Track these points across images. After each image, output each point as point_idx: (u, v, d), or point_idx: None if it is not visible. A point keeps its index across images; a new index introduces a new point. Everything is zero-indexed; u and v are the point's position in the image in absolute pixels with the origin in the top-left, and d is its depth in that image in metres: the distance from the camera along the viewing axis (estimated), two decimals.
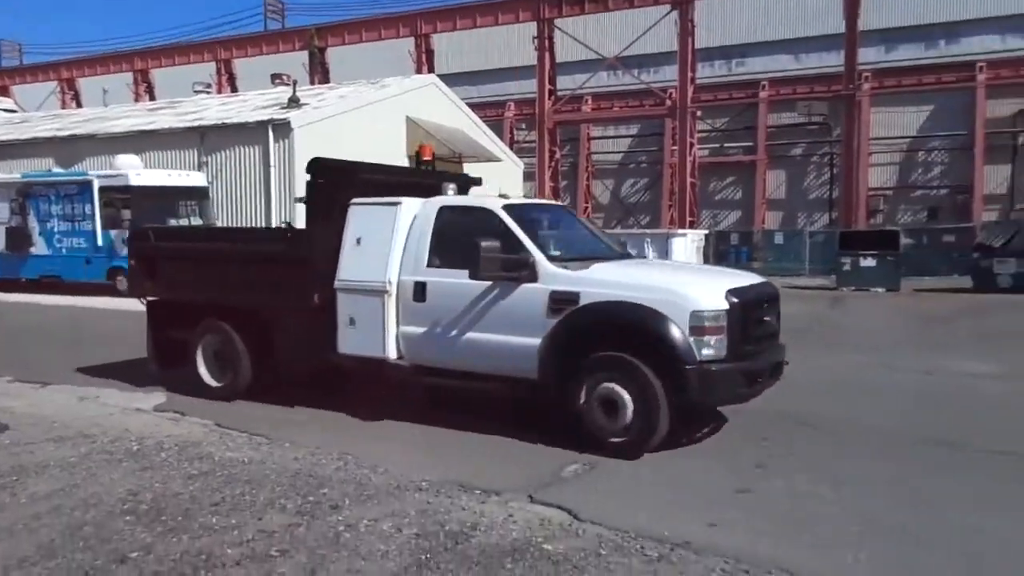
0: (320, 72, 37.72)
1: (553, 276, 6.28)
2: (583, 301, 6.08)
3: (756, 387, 6.12)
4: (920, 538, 4.49)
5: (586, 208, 39.44)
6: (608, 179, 42.10)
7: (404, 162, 25.84)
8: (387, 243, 6.94)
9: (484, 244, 6.19)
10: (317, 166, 7.53)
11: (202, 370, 8.08)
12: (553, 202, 8.16)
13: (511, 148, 36.05)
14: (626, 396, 5.90)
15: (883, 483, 5.43)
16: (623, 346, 5.95)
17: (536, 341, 6.23)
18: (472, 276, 6.41)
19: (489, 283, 6.43)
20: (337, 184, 7.41)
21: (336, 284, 7.11)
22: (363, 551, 4.23)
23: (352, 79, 30.87)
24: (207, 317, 7.99)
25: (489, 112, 37.44)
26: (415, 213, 7.03)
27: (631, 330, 5.97)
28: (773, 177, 38.06)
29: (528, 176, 34.23)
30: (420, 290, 6.80)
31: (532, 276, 6.29)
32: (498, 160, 29.54)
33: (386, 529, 4.53)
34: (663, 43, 33.12)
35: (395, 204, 7.07)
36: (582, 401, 6.06)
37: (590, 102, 38.31)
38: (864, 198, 34.26)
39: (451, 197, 7.32)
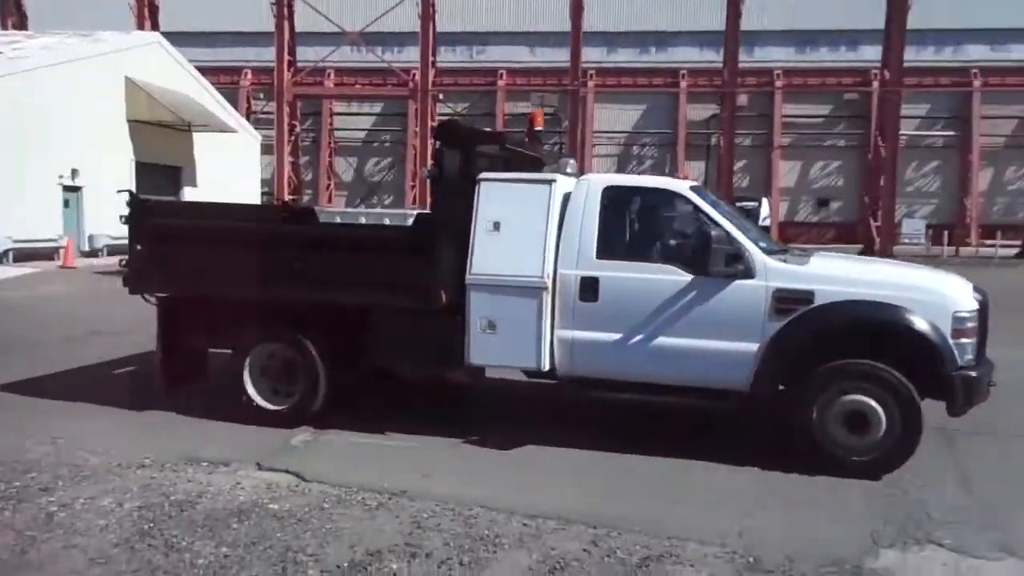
0: (15, 15, 33.09)
1: (774, 272, 5.50)
2: (819, 300, 5.34)
3: (989, 393, 5.55)
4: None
5: (328, 185, 38.87)
6: (351, 156, 41.81)
7: (125, 129, 23.78)
8: (539, 229, 5.75)
9: (714, 234, 5.46)
10: (450, 131, 6.19)
11: (251, 389, 6.35)
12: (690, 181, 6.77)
13: (247, 119, 34.43)
14: (880, 410, 5.25)
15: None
16: (867, 352, 5.32)
17: (752, 347, 5.47)
18: (698, 273, 5.53)
19: (689, 280, 5.59)
20: (470, 155, 5.99)
21: (469, 279, 5.81)
22: (80, 527, 4.17)
23: (58, 28, 27.54)
24: (265, 320, 6.41)
25: (223, 79, 35.35)
26: (565, 193, 5.91)
27: (888, 334, 5.34)
28: None
29: (266, 149, 32.97)
30: (590, 287, 5.70)
31: (748, 272, 5.48)
32: (233, 131, 28.15)
33: (106, 505, 4.50)
34: (407, 23, 33.51)
35: (547, 181, 5.93)
36: (814, 416, 5.36)
37: (332, 77, 37.71)
38: None
39: (618, 176, 6.94)
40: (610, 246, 5.78)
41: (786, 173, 40.48)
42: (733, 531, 4.39)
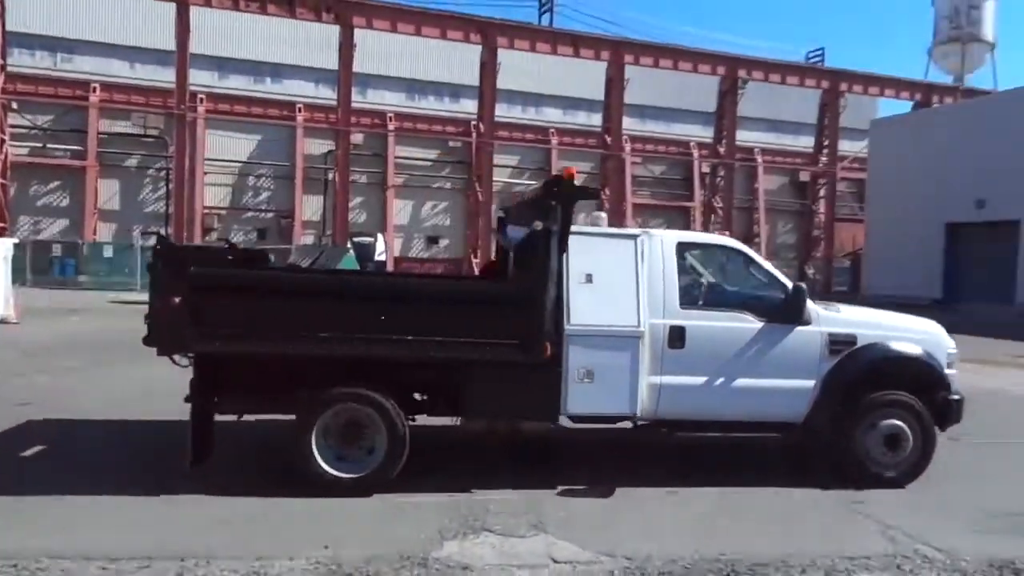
0: None
1: (825, 319, 6.39)
2: (860, 343, 6.34)
3: None
4: None
5: None
6: None
7: None
8: (630, 281, 6.09)
9: (781, 287, 6.37)
10: (564, 185, 5.83)
11: (318, 457, 5.64)
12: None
13: None
14: (909, 431, 6.29)
15: None
16: (893, 383, 6.35)
17: (810, 383, 6.28)
18: (768, 320, 6.28)
19: (760, 326, 6.28)
20: (570, 209, 5.79)
21: (568, 330, 5.85)
22: None
23: None
24: (342, 378, 5.75)
25: None
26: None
27: (910, 368, 6.46)
28: (106, 186, 36.29)
29: None
30: (678, 335, 6.12)
31: (808, 319, 6.29)
32: None
33: None
34: None
35: (634, 236, 6.34)
36: (858, 439, 6.28)
37: None
38: (200, 215, 35.48)
39: (684, 233, 6.92)
40: (689, 297, 6.36)
41: (400, 211, 42.78)
42: (319, 546, 4.62)
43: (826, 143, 41.89)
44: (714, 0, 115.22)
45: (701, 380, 6.21)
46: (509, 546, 4.78)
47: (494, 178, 37.68)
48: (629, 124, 48.43)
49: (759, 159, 52.29)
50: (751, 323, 6.32)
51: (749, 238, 53.81)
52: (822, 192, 42.63)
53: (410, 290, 6.15)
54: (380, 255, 39.14)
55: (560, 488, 5.97)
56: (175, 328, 5.44)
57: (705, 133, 43.23)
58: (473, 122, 37.86)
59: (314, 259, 24.08)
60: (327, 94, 38.06)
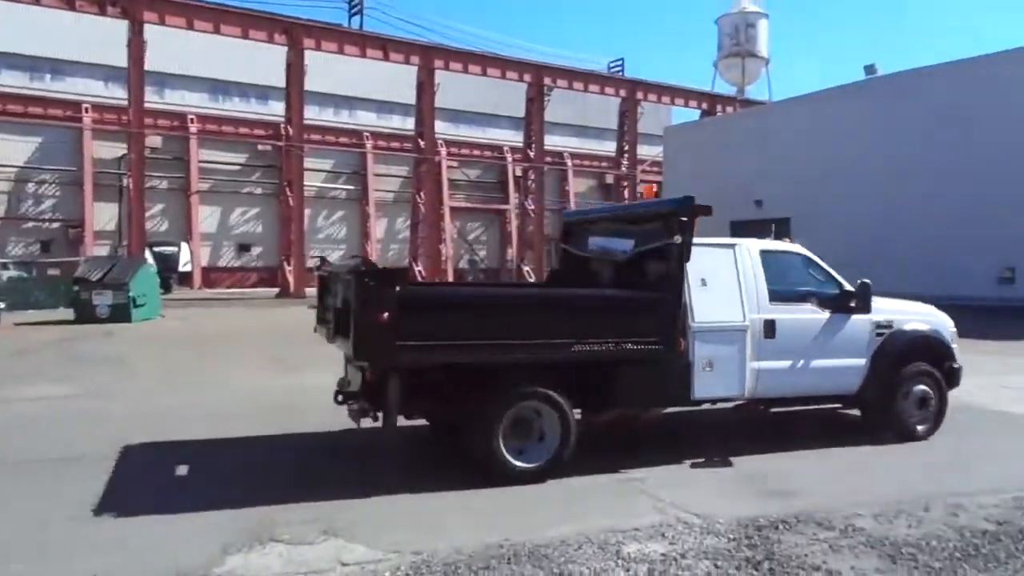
0: None
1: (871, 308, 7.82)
2: (895, 327, 7.91)
3: None
4: None
5: None
6: None
7: None
8: (734, 283, 7.28)
9: (843, 284, 7.76)
10: (695, 205, 6.95)
11: (502, 450, 6.28)
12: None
13: None
14: (933, 394, 7.94)
15: None
16: (918, 357, 7.94)
17: (862, 361, 7.76)
18: (833, 311, 7.67)
19: (828, 315, 7.65)
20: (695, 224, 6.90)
21: (694, 327, 6.93)
22: None
23: None
24: (524, 379, 6.47)
25: None
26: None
27: (933, 346, 8.10)
28: None
29: None
30: (770, 327, 7.31)
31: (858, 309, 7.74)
32: None
33: None
34: None
35: (732, 245, 7.56)
36: (897, 403, 7.81)
37: None
38: None
39: (763, 242, 8.00)
40: (774, 294, 7.45)
41: (206, 218, 40.62)
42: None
43: (627, 148, 44.56)
44: (520, 9, 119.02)
45: (788, 363, 7.46)
46: (298, 554, 4.78)
47: (307, 183, 36.70)
48: (443, 128, 49.05)
49: (568, 162, 54.79)
50: (820, 314, 7.70)
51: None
52: (626, 193, 45.36)
53: (578, 301, 7.02)
54: (185, 265, 37.08)
55: (350, 493, 6.01)
56: (384, 342, 5.84)
57: (518, 138, 44.65)
58: (283, 125, 36.71)
59: (105, 271, 22.27)
60: (119, 93, 35.41)
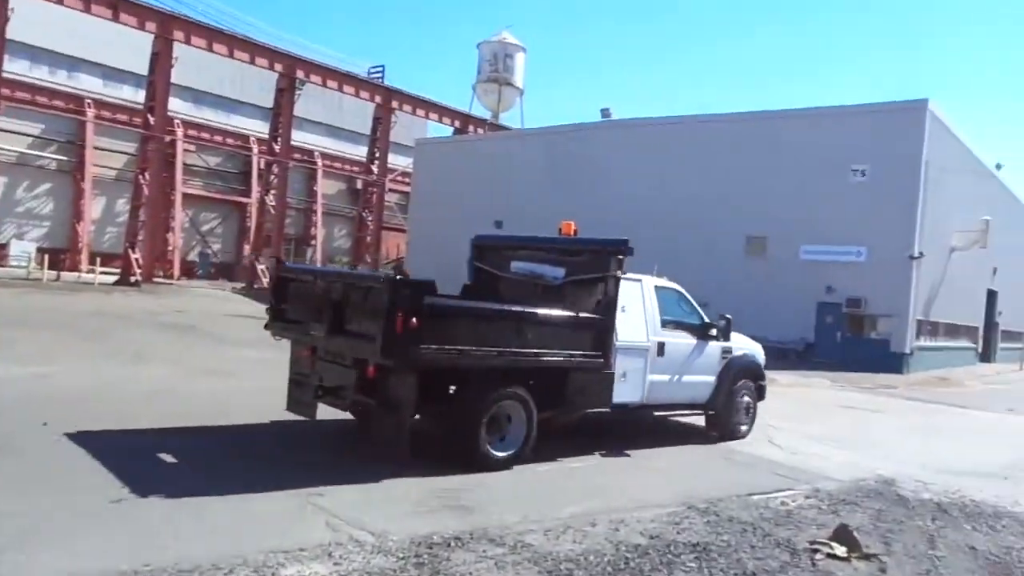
0: None
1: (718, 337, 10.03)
2: (733, 352, 10.24)
3: None
4: None
5: None
6: None
7: None
8: (640, 311, 9.04)
9: (705, 317, 9.96)
10: (628, 246, 8.52)
11: (484, 442, 7.36)
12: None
13: None
14: (752, 404, 10.49)
15: None
16: (746, 376, 10.37)
17: (713, 378, 9.94)
18: (699, 338, 9.76)
19: (695, 341, 9.71)
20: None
21: (617, 345, 8.39)
22: None
23: None
24: (506, 381, 7.58)
25: None
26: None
27: (754, 368, 10.64)
28: None
29: None
30: (661, 347, 9.16)
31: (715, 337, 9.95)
32: None
33: None
34: None
35: (639, 280, 9.18)
36: (732, 411, 10.15)
37: None
38: None
39: (655, 278, 9.54)
40: (663, 321, 9.28)
41: None
42: None
43: (378, 155, 44.18)
44: (284, 1, 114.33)
45: (669, 377, 9.26)
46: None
47: (9, 147, 31.72)
48: (182, 108, 45.15)
49: (319, 162, 53.15)
50: (691, 339, 9.61)
51: (306, 239, 54.39)
52: (374, 200, 44.89)
53: (552, 318, 8.00)
54: None
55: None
56: (412, 345, 6.63)
57: (266, 128, 42.37)
58: None
59: None
60: None
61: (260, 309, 27.85)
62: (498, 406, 7.43)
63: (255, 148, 45.92)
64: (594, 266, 8.63)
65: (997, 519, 7.01)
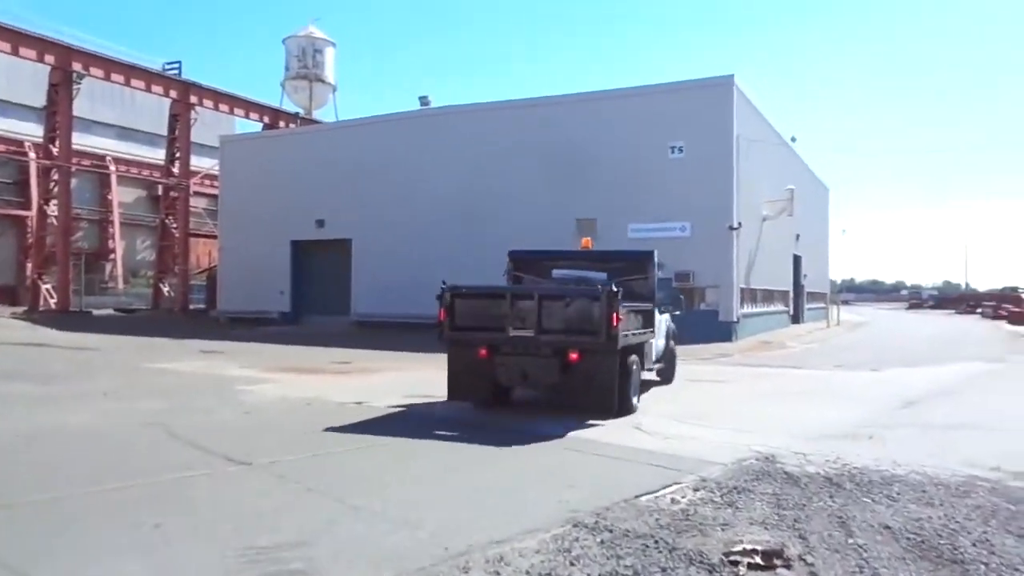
0: None
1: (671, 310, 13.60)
2: (668, 322, 13.41)
3: None
4: None
5: None
6: None
7: None
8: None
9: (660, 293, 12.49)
10: (655, 255, 12.51)
11: (631, 396, 10.49)
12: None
13: None
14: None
15: None
16: (674, 337, 14.13)
17: (663, 341, 12.88)
18: (669, 311, 13.45)
19: (667, 315, 13.23)
20: None
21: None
22: None
23: None
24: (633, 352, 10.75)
25: None
26: None
27: (675, 331, 14.03)
28: None
29: None
30: (660, 323, 12.35)
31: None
32: None
33: None
34: None
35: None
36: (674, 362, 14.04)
37: None
38: None
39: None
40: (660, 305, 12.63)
41: None
42: None
43: (178, 155, 40.26)
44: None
45: (662, 342, 12.73)
46: None
47: None
48: None
49: (112, 167, 47.91)
50: (667, 315, 13.09)
51: (103, 253, 48.85)
52: (178, 206, 40.86)
53: (640, 308, 11.13)
54: None
55: None
56: (618, 335, 9.52)
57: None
58: None
59: None
60: None
61: (42, 335, 24.16)
62: (634, 370, 10.38)
63: (32, 154, 40.41)
64: (634, 269, 11.94)
65: (889, 486, 6.55)
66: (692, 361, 18.96)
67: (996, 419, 10.24)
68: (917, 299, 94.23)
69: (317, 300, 34.18)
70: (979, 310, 59.52)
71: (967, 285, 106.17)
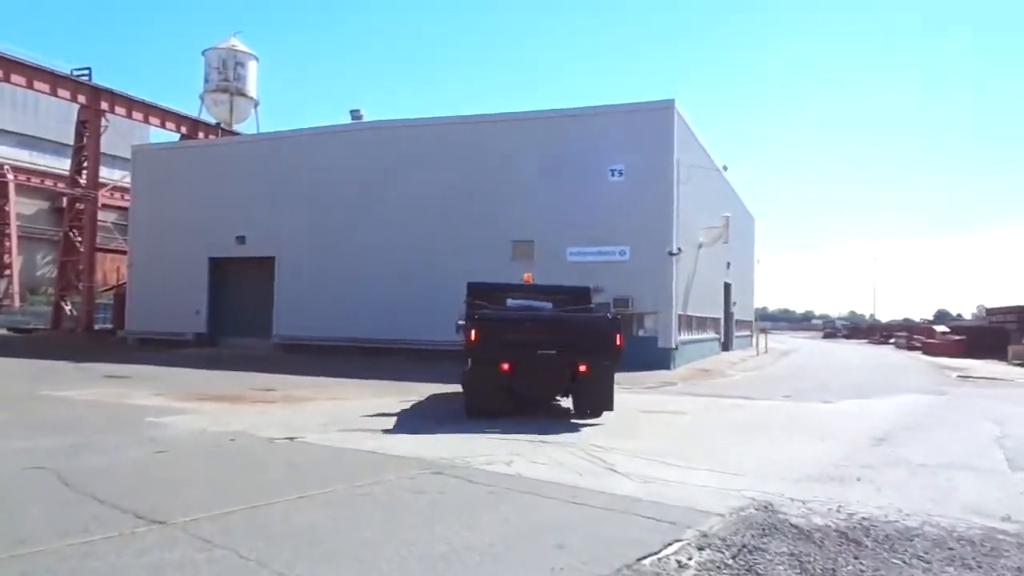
0: None
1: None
2: None
3: None
4: None
5: None
6: None
7: None
8: None
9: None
10: (593, 289, 15.55)
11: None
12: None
13: None
14: None
15: None
16: None
17: None
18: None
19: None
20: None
21: None
22: None
23: None
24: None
25: None
26: None
27: None
28: None
29: None
30: None
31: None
32: None
33: None
34: None
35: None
36: None
37: None
38: None
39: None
40: None
41: None
42: None
43: (86, 164, 37.66)
44: None
45: None
46: None
47: None
48: None
49: (10, 176, 44.67)
50: None
51: None
52: (85, 219, 38.11)
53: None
54: None
55: None
56: (621, 352, 12.37)
57: None
58: None
59: None
60: None
61: None
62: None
63: None
64: (575, 301, 14.06)
65: (909, 542, 5.82)
66: (637, 389, 18.28)
67: (975, 458, 9.78)
68: (832, 328, 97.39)
69: (236, 321, 32.19)
70: (891, 340, 61.65)
71: (872, 316, 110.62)
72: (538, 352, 11.83)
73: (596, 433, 11.01)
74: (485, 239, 27.12)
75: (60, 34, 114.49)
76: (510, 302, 13.88)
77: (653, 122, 25.93)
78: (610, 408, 12.27)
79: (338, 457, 8.97)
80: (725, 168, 37.90)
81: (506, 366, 11.80)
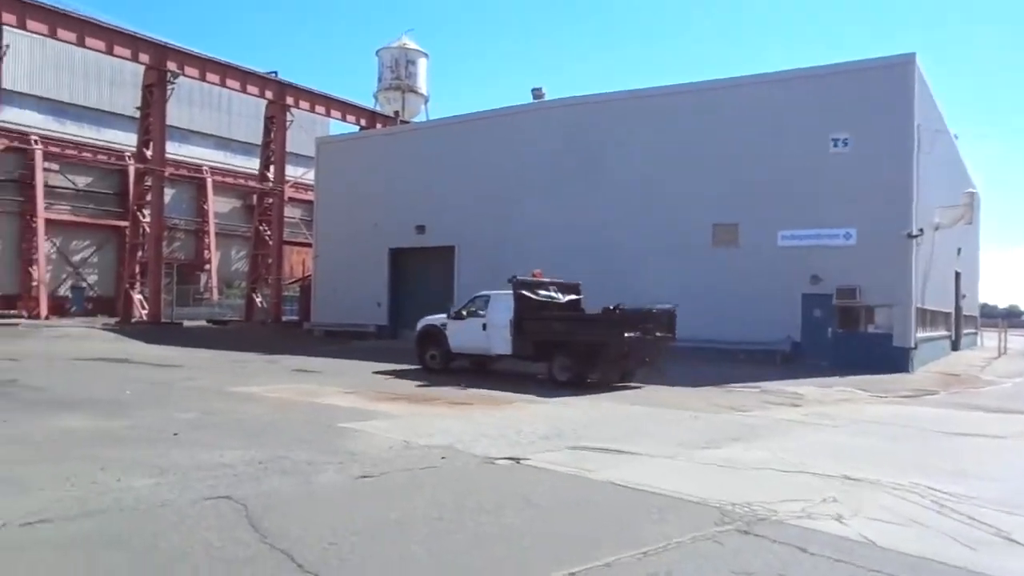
0: None
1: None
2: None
3: None
4: None
5: None
6: None
7: None
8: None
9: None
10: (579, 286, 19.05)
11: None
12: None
13: None
14: None
15: None
16: None
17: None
18: None
19: None
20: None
21: None
22: None
23: None
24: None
25: None
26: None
27: None
28: None
29: None
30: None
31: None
32: None
33: None
34: None
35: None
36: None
37: None
38: None
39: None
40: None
41: None
42: None
43: (273, 159, 38.47)
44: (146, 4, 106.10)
45: None
46: None
47: None
48: (40, 122, 38.82)
49: (208, 177, 46.89)
50: None
51: (199, 264, 47.85)
52: (273, 213, 39.03)
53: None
54: None
55: None
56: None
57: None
58: None
59: None
60: None
61: (126, 348, 22.00)
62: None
63: (132, 163, 39.48)
64: (575, 291, 18.48)
65: None
66: (894, 400, 14.96)
67: None
68: None
69: (417, 312, 31.36)
70: None
71: None
72: (655, 333, 16.69)
73: (884, 461, 8.16)
74: (680, 225, 24.38)
75: (242, 40, 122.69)
76: (540, 292, 17.66)
77: (889, 81, 21.97)
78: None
79: (586, 495, 6.74)
80: (956, 137, 32.66)
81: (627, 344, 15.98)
